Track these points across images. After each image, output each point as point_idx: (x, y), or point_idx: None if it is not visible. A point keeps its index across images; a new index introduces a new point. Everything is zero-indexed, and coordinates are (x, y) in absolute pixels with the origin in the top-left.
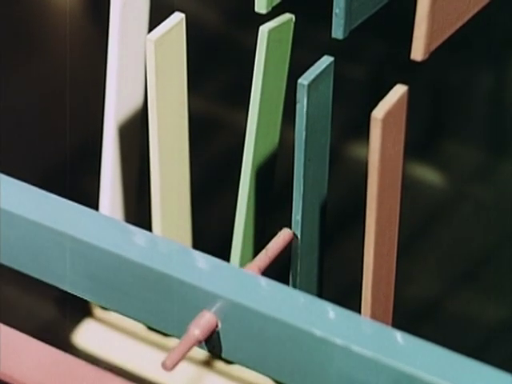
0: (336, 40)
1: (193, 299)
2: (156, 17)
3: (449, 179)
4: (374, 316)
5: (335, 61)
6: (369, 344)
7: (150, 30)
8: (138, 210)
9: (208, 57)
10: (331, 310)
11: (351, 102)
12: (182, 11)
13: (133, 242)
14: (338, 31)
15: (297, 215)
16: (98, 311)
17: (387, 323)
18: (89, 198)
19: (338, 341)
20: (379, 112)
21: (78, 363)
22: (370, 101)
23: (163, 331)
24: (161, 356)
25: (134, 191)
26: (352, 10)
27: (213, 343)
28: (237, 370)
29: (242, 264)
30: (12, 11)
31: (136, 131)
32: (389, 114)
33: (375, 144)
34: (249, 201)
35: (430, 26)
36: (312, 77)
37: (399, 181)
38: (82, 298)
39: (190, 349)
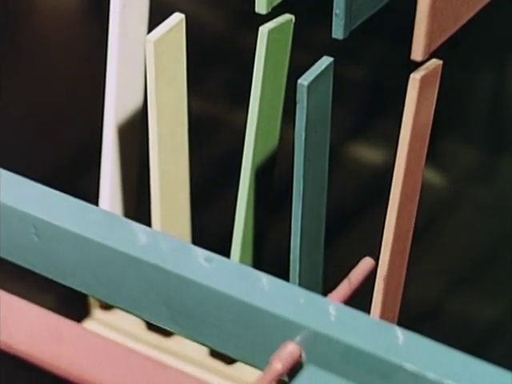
0: (336, 40)
1: (275, 329)
2: (156, 17)
3: (448, 180)
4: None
5: (335, 61)
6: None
7: (150, 30)
8: (138, 210)
9: (208, 57)
10: (401, 335)
11: (351, 103)
12: (181, 12)
13: (214, 271)
14: (338, 32)
15: (296, 215)
16: (97, 311)
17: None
18: (88, 197)
19: None
20: (418, 73)
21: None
22: (370, 101)
23: (243, 361)
24: (160, 357)
25: (133, 191)
26: (352, 11)
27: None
28: (237, 370)
29: (242, 259)
30: (11, 12)
31: (136, 131)
32: (425, 78)
33: (411, 105)
34: (248, 200)
35: (430, 26)
36: (312, 77)
37: (425, 151)
38: (81, 299)
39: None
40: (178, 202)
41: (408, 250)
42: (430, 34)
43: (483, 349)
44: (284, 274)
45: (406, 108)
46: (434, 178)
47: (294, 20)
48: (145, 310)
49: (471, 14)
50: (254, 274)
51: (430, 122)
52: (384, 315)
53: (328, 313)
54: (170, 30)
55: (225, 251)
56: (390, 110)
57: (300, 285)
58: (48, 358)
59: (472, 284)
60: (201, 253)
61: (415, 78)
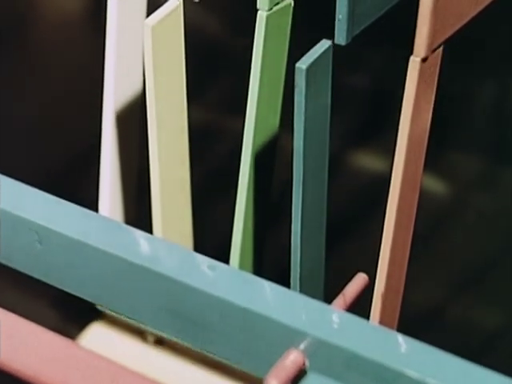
0: (338, 46)
1: (279, 337)
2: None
3: (449, 187)
4: (383, 314)
5: (335, 65)
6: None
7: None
8: (138, 210)
9: (205, 63)
10: (403, 342)
11: (349, 109)
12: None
13: (217, 278)
14: (340, 37)
15: (297, 210)
16: (104, 314)
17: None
18: (87, 200)
19: None
20: (418, 53)
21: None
22: (368, 106)
23: (246, 369)
24: (165, 352)
25: (133, 188)
26: (355, 16)
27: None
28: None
29: (242, 264)
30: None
31: (135, 118)
32: (426, 62)
33: (411, 87)
34: (249, 187)
35: (433, 24)
36: (310, 60)
37: (423, 155)
38: (84, 300)
39: None
40: (179, 201)
41: (406, 261)
42: (433, 31)
43: (485, 355)
44: (285, 281)
45: (405, 93)
46: (435, 185)
47: (292, 4)
48: (148, 317)
49: (474, 13)
50: (258, 282)
51: (430, 113)
52: (383, 323)
53: (331, 320)
54: (168, 14)
55: (226, 255)
56: (390, 118)
57: (301, 292)
58: (46, 378)
59: (473, 291)
60: (204, 260)
61: (415, 60)
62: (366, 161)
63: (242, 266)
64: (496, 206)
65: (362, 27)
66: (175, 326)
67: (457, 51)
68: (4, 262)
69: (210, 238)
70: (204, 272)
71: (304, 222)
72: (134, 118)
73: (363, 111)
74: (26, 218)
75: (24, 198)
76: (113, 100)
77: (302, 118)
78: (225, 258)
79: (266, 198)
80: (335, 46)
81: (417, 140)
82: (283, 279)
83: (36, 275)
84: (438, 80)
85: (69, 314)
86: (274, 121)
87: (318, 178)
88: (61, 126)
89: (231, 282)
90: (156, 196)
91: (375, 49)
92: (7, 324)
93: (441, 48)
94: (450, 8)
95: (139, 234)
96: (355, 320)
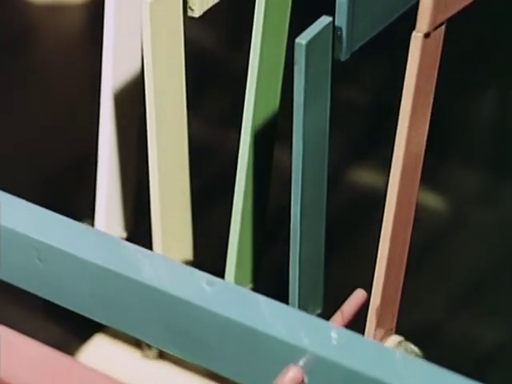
0: (337, 62)
1: (278, 353)
2: None
3: (448, 202)
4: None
5: (333, 82)
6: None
7: None
8: (136, 218)
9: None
10: (402, 359)
11: (347, 125)
12: None
13: (216, 294)
14: (339, 53)
15: (296, 201)
16: (105, 327)
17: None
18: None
19: None
20: (420, 27)
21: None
22: (365, 120)
23: None
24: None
25: (131, 195)
26: (354, 32)
27: None
28: None
29: (238, 275)
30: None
31: (134, 99)
32: (428, 39)
33: (413, 65)
34: (248, 172)
35: None
36: (310, 36)
37: (428, 113)
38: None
39: None
40: (178, 205)
41: (402, 275)
42: (437, 5)
43: (484, 372)
44: (283, 292)
45: (406, 74)
46: (434, 200)
47: None
48: (147, 332)
49: None
50: (256, 298)
51: (430, 108)
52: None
53: (330, 337)
54: None
55: (224, 265)
56: (387, 134)
57: (300, 306)
58: None
59: (472, 307)
60: (202, 276)
61: (417, 36)
62: (363, 174)
63: (238, 277)
64: (493, 220)
65: (361, 43)
66: (174, 341)
67: (458, 65)
68: (4, 278)
69: (210, 246)
70: (202, 288)
71: (303, 233)
72: (132, 85)
73: (359, 125)
74: (25, 234)
75: (23, 214)
76: (112, 68)
77: (302, 99)
78: (223, 271)
79: (264, 187)
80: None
81: (415, 141)
82: (281, 292)
83: (35, 291)
84: (438, 97)
85: (70, 327)
86: (274, 102)
87: (318, 176)
88: (58, 136)
89: (230, 298)
90: (155, 202)
91: (372, 63)
92: (7, 340)
93: (443, 26)
94: None
95: (138, 250)
96: (354, 337)
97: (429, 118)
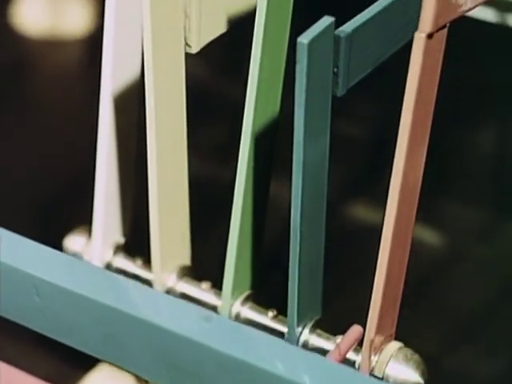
0: (334, 97)
1: None
2: None
3: (448, 238)
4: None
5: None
6: None
7: None
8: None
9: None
10: None
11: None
12: None
13: (213, 330)
14: (335, 89)
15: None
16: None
17: None
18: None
19: None
20: (423, 27)
21: None
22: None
23: None
24: None
25: (130, 199)
26: (350, 69)
27: None
28: None
29: (237, 275)
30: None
31: (133, 101)
32: (430, 40)
33: (415, 67)
34: (248, 169)
35: None
36: (312, 35)
37: (430, 119)
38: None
39: None
40: (177, 216)
41: (397, 311)
42: (440, 5)
43: None
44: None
45: (409, 74)
46: (434, 237)
47: None
48: (144, 368)
49: (479, 1)
50: (253, 334)
51: (435, 89)
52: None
53: (328, 373)
54: (170, 12)
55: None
56: (382, 170)
57: (298, 315)
58: None
59: (472, 341)
60: (199, 312)
61: (420, 36)
62: (359, 208)
63: (236, 284)
64: (495, 257)
65: (358, 79)
66: (171, 377)
67: (457, 101)
68: (3, 314)
69: (209, 253)
70: (199, 323)
71: (301, 264)
72: (131, 87)
73: (356, 160)
74: (23, 270)
75: (22, 251)
76: (111, 69)
77: (303, 100)
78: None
79: (264, 199)
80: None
81: (412, 170)
82: (281, 299)
83: (34, 328)
84: (437, 133)
85: (68, 361)
86: (275, 107)
87: (319, 162)
88: (53, 158)
89: (227, 333)
90: (154, 210)
91: (370, 99)
92: (7, 378)
93: (445, 29)
94: None
95: (136, 285)
96: (351, 372)
97: (426, 147)
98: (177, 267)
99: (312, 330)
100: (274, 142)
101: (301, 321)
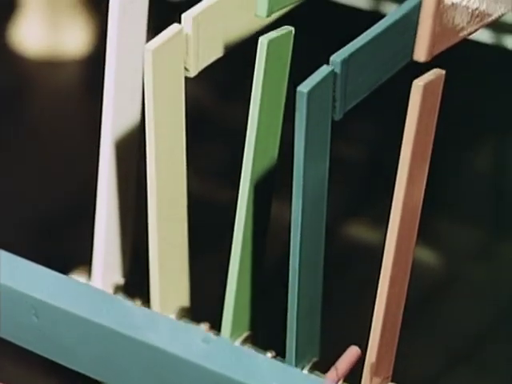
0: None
1: None
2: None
3: (446, 258)
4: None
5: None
6: None
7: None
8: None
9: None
10: None
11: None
12: None
13: (212, 351)
14: (333, 113)
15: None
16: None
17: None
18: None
19: None
20: (420, 80)
21: None
22: (361, 177)
23: None
24: None
25: (129, 239)
26: (347, 93)
27: None
28: None
29: (236, 317)
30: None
31: (133, 143)
32: (428, 86)
33: (413, 113)
34: (247, 219)
35: (434, 25)
36: (312, 84)
37: (427, 161)
38: None
39: None
40: (176, 254)
41: (398, 332)
42: (434, 34)
43: None
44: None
45: (408, 118)
46: (430, 257)
47: (293, 32)
48: None
49: (475, 28)
50: (252, 356)
51: (433, 134)
52: None
53: None
54: (170, 39)
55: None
56: (385, 189)
57: (297, 356)
58: None
59: (470, 363)
60: (199, 333)
61: (418, 84)
62: (360, 230)
63: (235, 326)
64: (493, 278)
65: (354, 103)
66: None
67: (454, 120)
68: (2, 335)
69: (207, 292)
70: (198, 345)
71: (301, 286)
72: (132, 131)
73: (356, 182)
74: (22, 292)
75: (21, 272)
76: (112, 116)
77: (302, 146)
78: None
79: (263, 239)
80: None
81: (413, 193)
82: (279, 340)
83: (33, 349)
84: (434, 152)
85: (68, 383)
86: (273, 151)
87: (316, 227)
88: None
89: (226, 355)
90: (154, 250)
91: (368, 122)
92: None
93: (443, 76)
94: (450, 15)
95: (134, 307)
96: None
97: (426, 174)
98: (176, 308)
99: (310, 372)
100: (271, 191)
101: (299, 362)
